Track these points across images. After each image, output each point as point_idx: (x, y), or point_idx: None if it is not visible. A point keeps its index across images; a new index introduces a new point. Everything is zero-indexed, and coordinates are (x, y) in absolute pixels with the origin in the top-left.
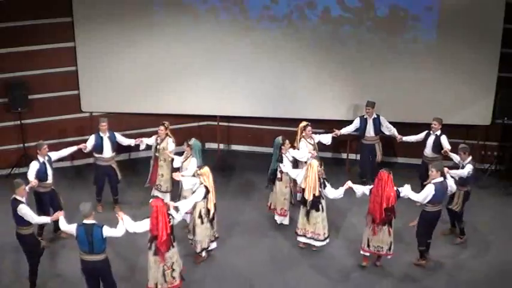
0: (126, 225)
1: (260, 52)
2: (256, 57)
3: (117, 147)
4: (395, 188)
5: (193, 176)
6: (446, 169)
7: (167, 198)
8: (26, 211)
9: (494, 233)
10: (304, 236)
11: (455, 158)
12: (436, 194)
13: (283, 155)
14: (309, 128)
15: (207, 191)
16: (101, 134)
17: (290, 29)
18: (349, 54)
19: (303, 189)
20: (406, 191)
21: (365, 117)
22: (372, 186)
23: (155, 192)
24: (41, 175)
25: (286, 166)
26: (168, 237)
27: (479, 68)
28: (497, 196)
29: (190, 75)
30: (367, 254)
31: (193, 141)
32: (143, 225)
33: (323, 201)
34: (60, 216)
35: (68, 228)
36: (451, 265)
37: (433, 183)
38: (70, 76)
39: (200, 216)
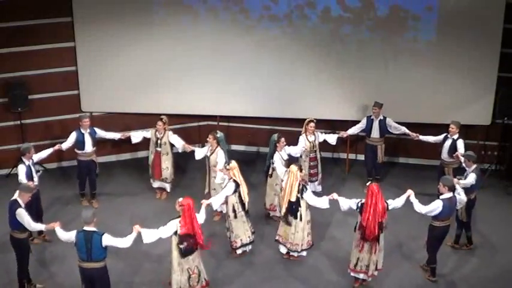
0: (146, 237)
1: (260, 52)
2: (256, 57)
3: (117, 146)
4: (385, 201)
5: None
6: (455, 180)
7: (168, 188)
8: (24, 216)
9: (495, 233)
10: (284, 245)
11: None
12: (443, 210)
13: (277, 152)
14: (312, 124)
15: (237, 185)
16: (82, 131)
17: (290, 29)
18: (349, 54)
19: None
20: (395, 203)
21: (371, 117)
22: (359, 200)
23: (156, 184)
24: (27, 178)
25: (276, 163)
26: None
27: (479, 68)
28: (498, 196)
29: (190, 75)
30: (360, 275)
31: (219, 133)
32: (169, 229)
33: (303, 210)
34: (56, 227)
35: (67, 236)
36: (453, 267)
37: (441, 200)
38: (70, 76)
39: (234, 211)
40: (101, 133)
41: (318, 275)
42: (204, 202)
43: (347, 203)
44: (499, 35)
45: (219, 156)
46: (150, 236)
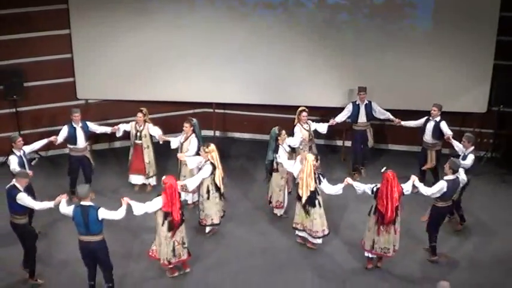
0: (135, 209)
1: (256, 39)
2: (252, 44)
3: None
4: (400, 186)
5: (198, 154)
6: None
7: (154, 181)
8: (25, 199)
9: (492, 220)
10: (304, 230)
11: (457, 145)
12: (447, 191)
13: (279, 145)
14: (305, 113)
15: (214, 168)
16: (74, 125)
17: (286, 16)
18: (345, 41)
19: (298, 184)
20: (408, 186)
21: (357, 103)
22: (373, 185)
23: (134, 179)
24: (20, 167)
25: (281, 157)
26: (181, 214)
27: (476, 56)
28: (493, 183)
29: (186, 62)
30: (373, 256)
31: (195, 120)
32: (155, 204)
33: (319, 197)
34: (63, 199)
35: (67, 211)
36: (450, 251)
37: (446, 180)
38: (65, 63)
39: (208, 192)
40: (93, 127)
41: (335, 264)
42: (179, 183)
43: (362, 187)
44: (495, 23)
45: (191, 143)
46: (138, 208)
